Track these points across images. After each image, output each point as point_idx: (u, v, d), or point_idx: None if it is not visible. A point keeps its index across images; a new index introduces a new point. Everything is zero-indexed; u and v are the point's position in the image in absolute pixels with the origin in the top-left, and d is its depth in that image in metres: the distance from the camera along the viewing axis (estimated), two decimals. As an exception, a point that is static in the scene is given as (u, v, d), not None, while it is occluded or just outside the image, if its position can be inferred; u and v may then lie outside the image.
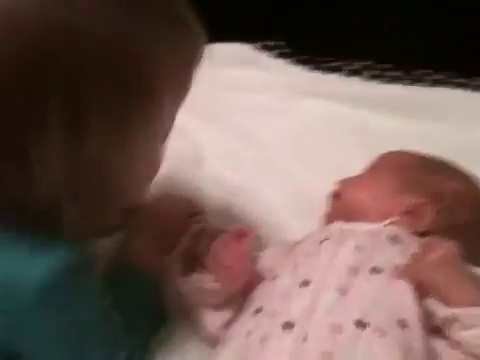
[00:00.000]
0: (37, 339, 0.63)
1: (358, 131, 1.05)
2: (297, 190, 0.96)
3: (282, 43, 1.24)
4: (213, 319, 0.73)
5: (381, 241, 0.73)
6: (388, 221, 0.77)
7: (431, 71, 1.17)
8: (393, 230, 0.76)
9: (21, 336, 0.62)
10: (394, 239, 0.74)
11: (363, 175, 0.88)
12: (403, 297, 0.66)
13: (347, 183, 0.86)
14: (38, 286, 0.59)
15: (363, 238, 0.73)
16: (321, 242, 0.74)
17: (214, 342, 0.73)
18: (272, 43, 1.24)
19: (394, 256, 0.71)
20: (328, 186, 0.88)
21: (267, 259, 0.79)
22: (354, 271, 0.68)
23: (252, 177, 0.98)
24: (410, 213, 0.78)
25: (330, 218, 0.84)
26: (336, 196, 0.85)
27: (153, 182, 0.72)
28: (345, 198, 0.84)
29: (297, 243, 0.78)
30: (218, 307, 0.73)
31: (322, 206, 0.87)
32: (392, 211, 0.78)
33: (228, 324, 0.72)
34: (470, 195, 0.81)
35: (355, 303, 0.64)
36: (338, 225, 0.79)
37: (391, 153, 0.90)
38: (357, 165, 0.91)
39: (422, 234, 0.76)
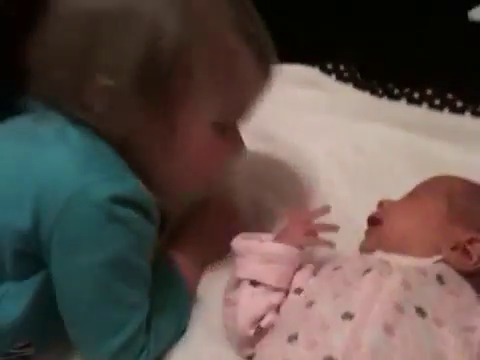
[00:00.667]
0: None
1: (416, 158, 1.04)
2: (340, 212, 0.92)
3: (350, 67, 1.27)
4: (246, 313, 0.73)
5: (429, 280, 0.69)
6: (437, 258, 0.73)
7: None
8: (442, 269, 0.71)
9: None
10: (441, 279, 0.69)
11: (408, 200, 0.83)
12: (445, 348, 0.62)
13: (389, 208, 0.82)
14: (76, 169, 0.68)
15: (410, 274, 0.68)
16: (364, 273, 0.69)
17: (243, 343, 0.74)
18: (341, 67, 1.27)
19: (441, 298, 0.67)
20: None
21: (296, 278, 0.76)
22: (400, 309, 0.64)
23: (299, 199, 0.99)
24: (458, 248, 0.74)
25: (369, 245, 0.80)
26: (376, 221, 0.81)
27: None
28: (387, 225, 0.79)
29: (335, 268, 0.73)
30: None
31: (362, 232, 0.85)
32: (439, 244, 0.74)
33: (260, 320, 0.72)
34: None
35: (401, 346, 0.60)
36: (380, 255, 0.74)
37: (440, 178, 0.85)
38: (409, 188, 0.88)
39: (468, 273, 0.72)
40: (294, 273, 0.76)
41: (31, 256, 0.70)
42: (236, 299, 0.75)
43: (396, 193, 0.92)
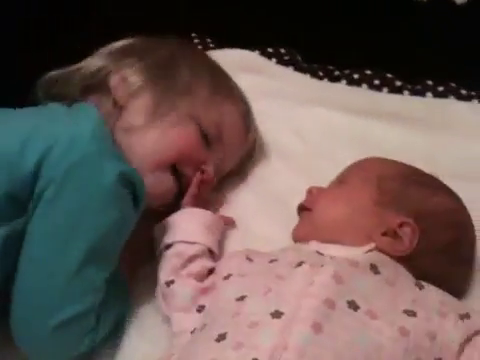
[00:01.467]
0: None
1: (357, 142, 1.04)
2: (278, 198, 0.95)
3: (291, 50, 1.26)
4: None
5: (362, 271, 0.68)
6: (369, 247, 0.72)
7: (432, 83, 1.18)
8: (375, 258, 0.70)
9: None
10: (375, 268, 0.69)
11: (337, 185, 0.83)
12: (380, 339, 0.61)
13: (319, 195, 0.81)
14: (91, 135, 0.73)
15: (342, 266, 0.68)
16: (296, 266, 0.68)
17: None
18: (282, 50, 1.26)
19: (376, 289, 0.67)
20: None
21: (225, 265, 0.77)
22: (330, 304, 0.63)
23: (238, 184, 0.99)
24: (390, 234, 0.73)
25: (300, 233, 0.80)
26: (305, 209, 0.81)
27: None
28: (317, 212, 0.78)
29: (271, 261, 0.73)
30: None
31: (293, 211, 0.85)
32: (371, 230, 0.73)
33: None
34: (452, 214, 0.77)
35: (329, 343, 0.60)
36: (314, 247, 0.74)
37: (369, 160, 0.84)
38: None
39: (399, 258, 0.72)
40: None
41: (16, 202, 0.71)
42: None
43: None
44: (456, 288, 0.76)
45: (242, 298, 0.67)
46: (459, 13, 1.37)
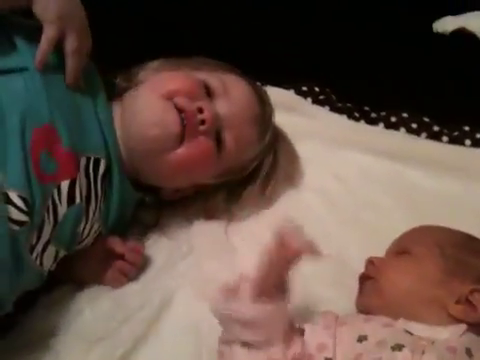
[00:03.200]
0: None
1: (396, 187, 1.03)
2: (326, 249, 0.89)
3: (325, 89, 1.25)
4: None
5: (459, 357, 0.67)
6: (462, 329, 0.71)
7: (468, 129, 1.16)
8: (469, 340, 0.70)
9: None
10: (470, 352, 0.68)
11: (398, 255, 0.82)
12: None
13: (381, 265, 0.80)
14: None
15: (443, 354, 0.66)
16: (394, 349, 0.67)
17: None
18: (317, 89, 1.24)
19: None
20: (361, 250, 0.86)
21: (315, 336, 0.72)
22: None
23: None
24: (461, 302, 0.73)
25: (368, 305, 0.79)
26: (371, 280, 0.80)
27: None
28: (386, 285, 0.77)
29: (361, 338, 0.70)
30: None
31: (354, 275, 0.83)
32: (443, 299, 0.73)
33: None
34: None
35: None
36: (402, 324, 0.71)
37: (426, 229, 0.85)
38: (394, 226, 0.88)
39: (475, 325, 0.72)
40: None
41: None
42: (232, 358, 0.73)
43: (381, 228, 0.94)
44: None
45: None
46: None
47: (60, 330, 0.86)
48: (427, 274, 0.76)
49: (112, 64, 1.01)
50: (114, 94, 0.96)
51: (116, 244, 0.92)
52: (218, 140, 0.92)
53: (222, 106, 0.92)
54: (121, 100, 0.94)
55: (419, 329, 0.70)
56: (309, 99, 1.22)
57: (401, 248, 0.83)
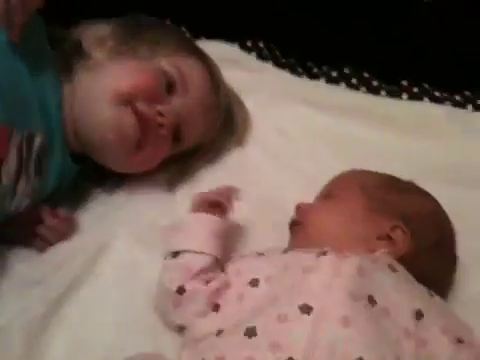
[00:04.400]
0: None
1: (336, 140, 1.07)
2: (266, 199, 0.97)
3: (270, 44, 1.27)
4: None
5: (380, 267, 0.71)
6: (384, 250, 0.74)
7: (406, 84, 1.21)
8: (390, 260, 0.73)
9: None
10: (392, 267, 0.72)
11: (325, 200, 0.86)
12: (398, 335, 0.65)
13: (308, 210, 0.84)
14: None
15: (365, 260, 0.71)
16: (319, 255, 0.71)
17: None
18: (261, 44, 1.26)
19: (394, 285, 0.70)
20: (297, 197, 0.89)
21: (237, 264, 0.79)
22: (354, 297, 0.66)
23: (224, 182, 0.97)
24: (383, 238, 0.77)
25: (297, 243, 0.82)
26: (299, 224, 0.83)
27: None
28: (312, 226, 0.81)
29: (285, 251, 0.77)
30: None
31: (286, 216, 0.87)
32: (366, 236, 0.77)
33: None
34: (434, 215, 0.82)
35: (357, 337, 0.63)
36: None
37: (349, 174, 0.89)
38: (331, 175, 0.91)
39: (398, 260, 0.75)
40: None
41: None
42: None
43: (319, 176, 0.96)
44: (445, 284, 0.82)
45: (275, 299, 0.69)
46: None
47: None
48: (349, 213, 0.80)
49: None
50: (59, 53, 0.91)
51: (46, 215, 0.92)
52: (175, 135, 0.93)
53: (180, 102, 0.92)
54: (70, 77, 0.91)
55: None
56: (253, 54, 1.24)
57: (327, 192, 0.87)
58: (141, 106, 0.87)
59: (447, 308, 0.75)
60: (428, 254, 0.78)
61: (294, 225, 0.85)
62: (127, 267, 0.86)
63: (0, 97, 0.79)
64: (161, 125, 0.89)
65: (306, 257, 0.72)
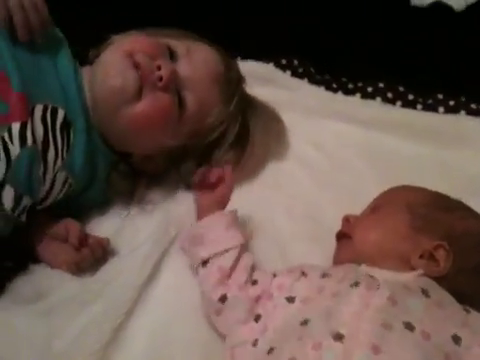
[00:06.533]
0: None
1: (372, 154, 1.07)
2: (306, 213, 0.98)
3: (304, 62, 1.29)
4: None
5: (414, 294, 0.71)
6: (419, 272, 0.76)
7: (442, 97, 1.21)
8: (424, 282, 0.74)
9: None
10: (426, 292, 0.72)
11: (372, 213, 0.87)
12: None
13: (356, 223, 0.85)
14: None
15: (396, 289, 0.71)
16: (352, 285, 0.72)
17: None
18: (295, 62, 1.28)
19: (427, 310, 0.69)
20: (337, 210, 0.90)
21: (283, 278, 0.80)
22: (387, 326, 0.66)
23: (262, 197, 1.01)
24: (426, 256, 0.78)
25: (343, 260, 0.83)
26: (346, 237, 0.85)
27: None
28: (358, 239, 0.82)
29: (324, 275, 0.76)
30: None
31: (329, 232, 0.88)
32: (409, 253, 0.78)
33: None
34: (479, 236, 0.80)
35: None
36: (364, 269, 0.77)
37: (398, 189, 0.89)
38: (368, 189, 0.93)
39: (436, 279, 0.75)
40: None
41: None
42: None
43: (356, 190, 0.99)
44: None
45: (306, 322, 0.70)
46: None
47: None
48: (393, 229, 0.80)
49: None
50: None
51: (75, 237, 0.91)
52: (179, 100, 0.94)
53: (184, 67, 0.95)
54: (91, 65, 0.98)
55: (380, 273, 0.75)
56: (288, 72, 1.26)
57: (374, 206, 0.88)
58: (140, 58, 0.91)
59: None
60: (470, 275, 0.78)
61: (341, 237, 0.86)
62: (177, 287, 0.87)
63: (18, 69, 0.86)
64: (160, 79, 0.91)
65: (339, 286, 0.73)
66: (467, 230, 0.80)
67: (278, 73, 1.25)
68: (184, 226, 0.94)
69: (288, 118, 1.12)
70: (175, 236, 0.94)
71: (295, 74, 1.26)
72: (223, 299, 0.79)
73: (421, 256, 0.78)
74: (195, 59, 0.96)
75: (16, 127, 0.84)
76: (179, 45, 0.97)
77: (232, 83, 1.01)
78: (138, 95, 0.90)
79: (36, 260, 0.93)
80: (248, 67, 1.21)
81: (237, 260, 0.82)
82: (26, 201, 0.88)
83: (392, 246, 0.79)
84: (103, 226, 0.97)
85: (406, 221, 0.81)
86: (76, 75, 0.94)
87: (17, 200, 0.87)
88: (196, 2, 1.41)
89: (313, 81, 1.25)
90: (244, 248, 0.84)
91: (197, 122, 0.97)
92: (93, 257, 0.91)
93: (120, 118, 0.92)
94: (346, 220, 0.87)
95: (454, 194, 0.87)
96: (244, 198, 0.99)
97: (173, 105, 0.93)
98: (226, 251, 0.82)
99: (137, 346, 0.79)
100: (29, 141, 0.86)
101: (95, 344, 0.77)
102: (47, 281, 0.90)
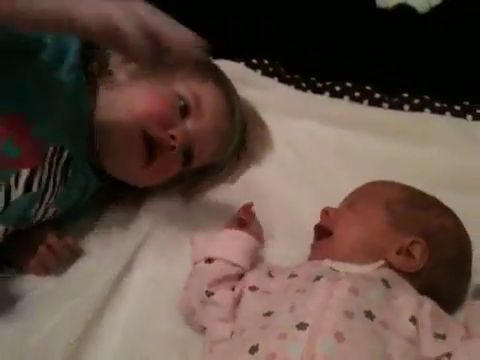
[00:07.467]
0: None
1: (344, 152, 1.11)
2: (281, 211, 1.01)
3: (274, 62, 1.31)
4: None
5: (375, 285, 0.74)
6: (379, 264, 0.79)
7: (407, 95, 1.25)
8: (386, 273, 0.77)
9: None
10: (387, 283, 0.75)
11: (349, 209, 0.88)
12: (391, 348, 0.67)
13: (335, 217, 0.87)
14: None
15: (357, 280, 0.74)
16: (315, 280, 0.75)
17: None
18: (266, 61, 1.30)
19: (387, 301, 0.72)
20: (310, 208, 0.93)
21: (251, 275, 0.84)
22: (349, 315, 0.68)
23: (238, 194, 1.03)
24: (402, 252, 0.80)
25: (319, 253, 0.86)
26: (325, 230, 0.87)
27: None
28: (337, 235, 0.84)
29: (291, 276, 0.79)
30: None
31: (303, 229, 0.91)
32: (384, 250, 0.80)
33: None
34: (454, 232, 0.84)
35: (352, 350, 0.65)
36: (328, 264, 0.79)
37: (376, 185, 0.92)
38: (342, 187, 0.96)
39: (411, 273, 0.79)
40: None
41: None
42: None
43: (330, 188, 1.02)
44: (458, 299, 0.84)
45: (269, 314, 0.73)
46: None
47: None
48: (370, 226, 0.83)
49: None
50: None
51: (52, 237, 0.93)
52: (186, 154, 0.96)
53: (193, 124, 0.94)
54: (96, 92, 0.93)
55: (343, 266, 0.79)
56: (259, 71, 1.28)
57: (350, 202, 0.90)
58: (154, 130, 0.90)
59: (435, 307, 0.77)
60: (445, 269, 0.81)
61: (321, 231, 0.88)
62: (152, 281, 0.90)
63: (39, 112, 0.82)
64: (173, 147, 0.92)
65: (304, 284, 0.75)
66: (442, 227, 0.83)
67: (249, 72, 1.27)
68: (157, 222, 0.98)
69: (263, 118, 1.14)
70: (148, 231, 0.97)
71: (265, 73, 1.28)
72: (210, 294, 0.81)
73: (398, 252, 0.80)
74: (204, 111, 0.95)
75: (25, 173, 0.83)
76: (188, 97, 0.94)
77: (236, 133, 1.04)
78: (146, 164, 0.92)
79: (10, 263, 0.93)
80: (220, 67, 1.23)
81: (235, 278, 0.84)
82: (10, 230, 0.88)
83: (370, 242, 0.81)
84: (76, 223, 0.99)
85: (384, 218, 0.83)
86: (86, 112, 0.91)
87: (4, 233, 0.87)
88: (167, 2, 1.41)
89: (283, 80, 1.27)
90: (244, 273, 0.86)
91: (198, 165, 1.01)
92: (58, 258, 0.92)
93: (128, 173, 0.95)
94: (325, 213, 0.88)
95: (425, 191, 0.91)
96: (221, 195, 1.04)
97: (180, 162, 0.96)
98: (234, 265, 0.84)
99: (112, 341, 0.82)
100: (34, 188, 0.85)
101: (70, 338, 0.80)
102: (21, 282, 0.91)
